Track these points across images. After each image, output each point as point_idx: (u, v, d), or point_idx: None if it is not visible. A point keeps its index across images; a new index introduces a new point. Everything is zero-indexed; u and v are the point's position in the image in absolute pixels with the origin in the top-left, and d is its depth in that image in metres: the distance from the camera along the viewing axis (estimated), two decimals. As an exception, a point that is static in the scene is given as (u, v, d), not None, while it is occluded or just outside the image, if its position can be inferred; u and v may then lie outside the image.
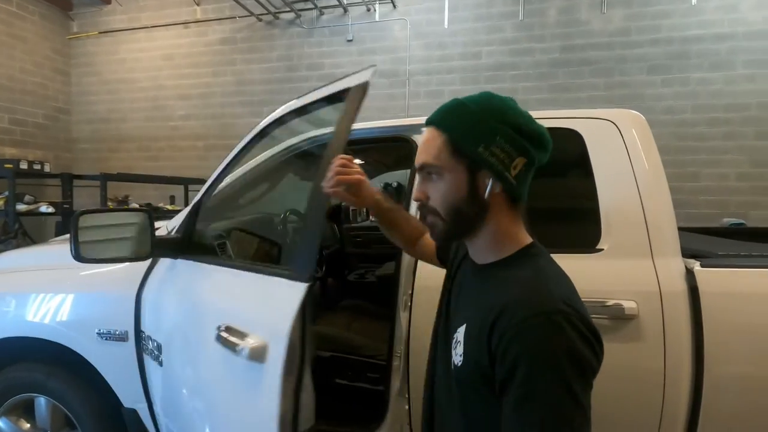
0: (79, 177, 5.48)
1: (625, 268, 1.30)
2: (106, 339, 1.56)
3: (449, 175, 0.70)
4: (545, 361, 0.57)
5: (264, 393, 0.91)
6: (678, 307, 1.22)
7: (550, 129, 1.54)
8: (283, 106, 1.50)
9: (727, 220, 5.10)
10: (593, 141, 1.41)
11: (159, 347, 1.42)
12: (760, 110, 5.23)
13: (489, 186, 0.69)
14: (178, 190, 6.50)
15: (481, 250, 0.75)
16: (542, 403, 0.56)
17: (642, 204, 1.33)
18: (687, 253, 1.33)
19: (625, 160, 1.37)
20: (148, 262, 1.57)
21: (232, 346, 1.00)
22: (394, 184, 4.87)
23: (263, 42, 6.79)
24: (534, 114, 1.58)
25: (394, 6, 6.26)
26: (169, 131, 7.18)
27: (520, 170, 0.69)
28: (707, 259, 1.32)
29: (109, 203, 5.33)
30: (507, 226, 0.73)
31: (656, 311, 1.23)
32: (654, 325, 1.22)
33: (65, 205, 5.21)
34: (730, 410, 1.19)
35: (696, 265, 1.26)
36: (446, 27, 6.10)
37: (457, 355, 0.69)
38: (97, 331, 1.57)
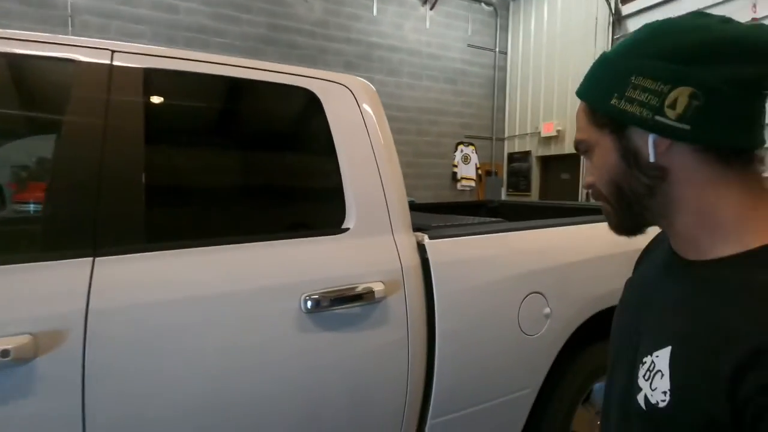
0: None
1: (371, 247, 1.18)
2: None
3: (598, 148, 0.56)
4: None
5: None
6: (415, 281, 1.21)
7: (284, 86, 1.33)
8: None
9: (402, 199, 6.42)
10: (332, 109, 1.23)
11: None
12: (418, 113, 6.75)
13: (651, 144, 0.48)
14: None
15: (687, 239, 0.52)
16: None
17: (381, 179, 1.25)
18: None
19: (363, 132, 1.26)
20: None
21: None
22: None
23: None
24: (261, 66, 1.33)
25: None
26: None
27: (688, 106, 0.46)
28: (433, 231, 1.38)
29: None
30: (721, 198, 0.48)
31: (400, 289, 1.17)
32: (398, 304, 1.17)
33: None
34: (457, 365, 1.27)
35: (425, 238, 1.28)
36: (129, -38, 4.83)
37: (655, 392, 0.47)
38: None
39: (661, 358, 0.48)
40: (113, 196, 0.93)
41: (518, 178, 7.27)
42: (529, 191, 7.07)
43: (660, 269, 0.58)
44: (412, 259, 1.21)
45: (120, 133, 0.96)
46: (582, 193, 6.14)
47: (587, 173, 0.59)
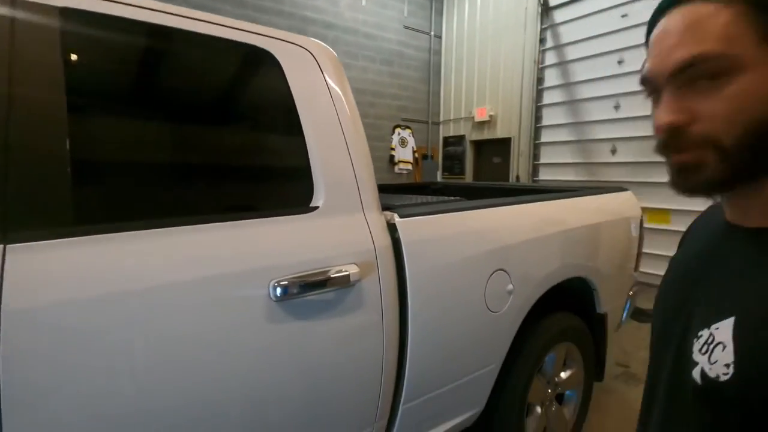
0: None
1: (342, 227, 1.10)
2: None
3: (750, 71, 0.39)
4: None
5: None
6: (388, 261, 1.15)
7: (242, 45, 1.13)
8: None
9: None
10: (294, 73, 1.11)
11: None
12: (356, 94, 6.48)
13: None
14: None
15: None
16: None
17: (349, 153, 1.17)
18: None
19: (328, 101, 1.16)
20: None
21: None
22: None
23: None
24: (219, 20, 1.13)
25: None
26: None
27: None
28: (401, 209, 1.32)
29: None
30: None
31: (374, 271, 1.11)
32: (372, 286, 1.10)
33: None
34: (428, 346, 1.24)
35: (395, 217, 1.22)
36: None
37: (715, 365, 0.43)
38: None
39: (722, 330, 0.44)
40: (28, 170, 0.74)
41: (453, 162, 7.47)
42: (463, 174, 7.30)
43: (713, 242, 0.53)
44: (384, 239, 1.15)
45: (32, 92, 0.76)
46: (512, 176, 6.46)
47: (673, 108, 0.43)
